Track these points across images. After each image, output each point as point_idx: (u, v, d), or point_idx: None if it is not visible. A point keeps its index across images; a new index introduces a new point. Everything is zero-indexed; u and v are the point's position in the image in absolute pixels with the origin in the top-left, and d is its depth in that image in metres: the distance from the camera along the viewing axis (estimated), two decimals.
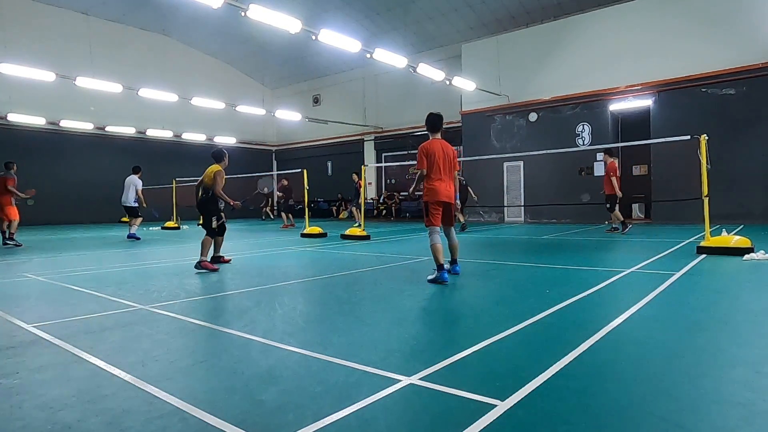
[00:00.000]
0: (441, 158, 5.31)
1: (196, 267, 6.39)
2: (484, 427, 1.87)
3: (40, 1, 19.41)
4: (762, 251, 6.42)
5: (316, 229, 12.20)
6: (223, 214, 6.99)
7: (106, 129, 21.40)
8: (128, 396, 2.27)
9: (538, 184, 16.84)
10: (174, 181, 17.49)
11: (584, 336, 3.04)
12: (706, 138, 7.23)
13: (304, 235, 11.98)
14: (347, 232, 11.63)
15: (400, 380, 2.37)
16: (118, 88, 16.42)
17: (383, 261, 7.13)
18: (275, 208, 22.30)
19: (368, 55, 12.24)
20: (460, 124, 19.32)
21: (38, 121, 18.87)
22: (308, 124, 24.88)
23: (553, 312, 3.73)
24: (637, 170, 16.80)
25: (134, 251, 9.40)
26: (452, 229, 5.61)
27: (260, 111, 22.59)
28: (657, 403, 2.07)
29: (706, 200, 7.17)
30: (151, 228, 17.12)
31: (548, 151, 12.62)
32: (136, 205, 12.16)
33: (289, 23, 10.22)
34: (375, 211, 22.69)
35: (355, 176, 15.72)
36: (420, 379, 2.39)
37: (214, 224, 6.78)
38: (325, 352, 2.86)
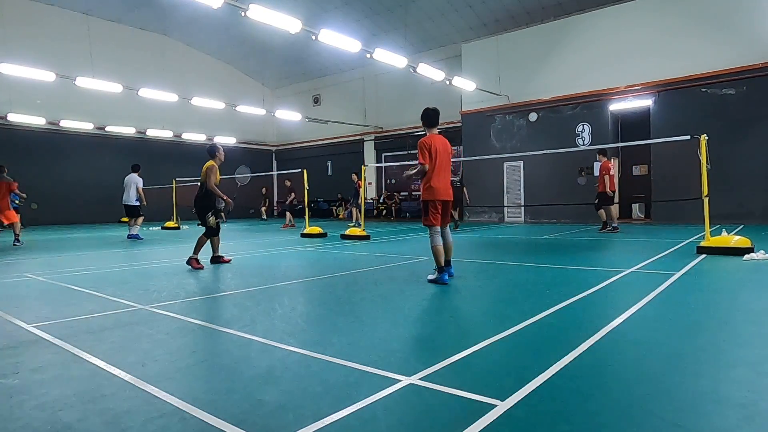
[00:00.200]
0: (441, 155, 5.24)
1: (186, 263, 6.67)
2: (484, 427, 1.87)
3: (40, 1, 19.42)
4: (762, 251, 6.42)
5: (316, 229, 12.20)
6: (222, 213, 6.96)
7: (106, 129, 21.40)
8: (128, 396, 2.27)
9: (538, 184, 16.84)
10: (174, 181, 17.49)
11: (584, 336, 3.04)
12: (706, 138, 7.23)
13: (304, 235, 11.98)
14: (347, 232, 11.63)
15: (400, 380, 2.37)
16: (118, 88, 16.42)
17: (383, 261, 7.13)
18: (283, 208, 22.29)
19: (368, 55, 12.24)
20: (460, 124, 19.33)
21: (38, 121, 18.86)
22: (308, 124, 24.88)
23: (553, 312, 3.73)
24: (637, 170, 16.81)
25: (134, 251, 9.40)
26: (447, 228, 5.52)
27: (260, 111, 22.59)
28: (657, 403, 2.07)
29: (706, 200, 7.17)
30: (151, 228, 17.12)
31: (548, 151, 12.63)
32: (138, 204, 12.08)
33: (289, 23, 10.22)
34: (375, 211, 22.69)
35: (354, 176, 15.73)
36: (420, 379, 2.39)
37: (212, 221, 6.75)
38: (325, 352, 2.86)
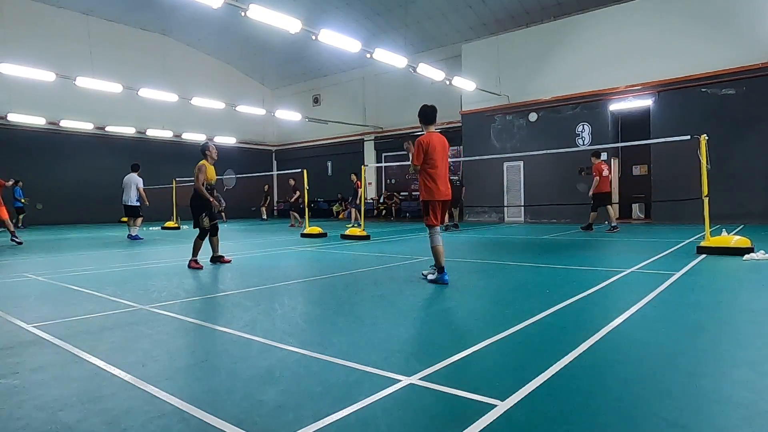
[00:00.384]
0: (440, 153, 5.19)
1: (188, 266, 6.66)
2: (484, 427, 1.87)
3: (40, 1, 19.42)
4: (762, 251, 6.42)
5: (316, 229, 12.20)
6: (223, 213, 6.93)
7: (106, 129, 21.40)
8: (128, 396, 2.27)
9: (538, 184, 16.84)
10: (174, 181, 17.49)
11: (584, 336, 3.04)
12: (706, 138, 7.23)
13: (304, 235, 11.98)
14: (347, 232, 11.63)
15: (400, 380, 2.37)
16: (118, 88, 16.42)
17: (383, 261, 7.13)
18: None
19: (368, 55, 12.24)
20: (460, 124, 19.33)
21: (38, 121, 18.86)
22: (308, 124, 24.89)
23: (553, 312, 3.73)
24: (637, 170, 16.80)
25: (134, 251, 9.40)
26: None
27: (260, 111, 22.59)
28: (657, 403, 2.07)
29: (706, 200, 7.17)
30: (151, 228, 17.12)
31: (548, 151, 12.63)
32: (139, 204, 11.94)
33: (289, 23, 10.21)
34: (375, 211, 22.69)
35: (353, 177, 15.75)
36: (420, 379, 2.38)
37: (205, 223, 6.69)
38: (325, 352, 2.85)
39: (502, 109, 17.81)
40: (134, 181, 11.86)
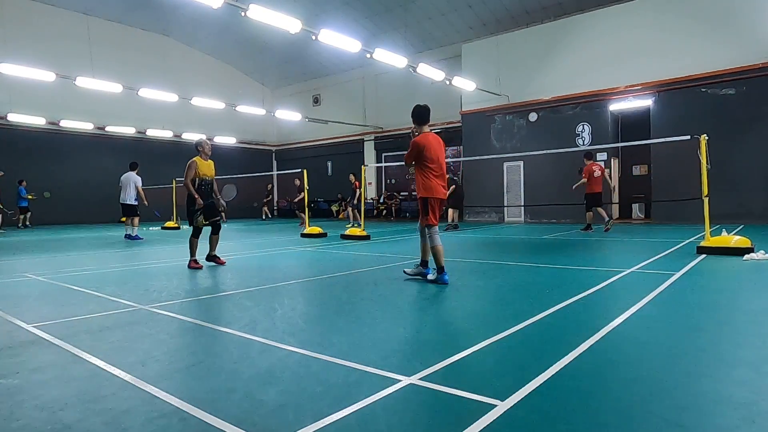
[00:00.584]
0: (437, 152, 5.22)
1: (188, 266, 6.65)
2: (484, 427, 1.87)
3: (40, 1, 19.41)
4: (762, 251, 6.42)
5: (316, 229, 12.20)
6: (223, 213, 6.90)
7: (106, 129, 21.39)
8: (128, 396, 2.27)
9: (538, 184, 16.84)
10: (174, 181, 17.48)
11: (584, 336, 3.04)
12: (706, 138, 7.23)
13: (304, 235, 11.98)
14: (347, 232, 11.63)
15: (400, 380, 2.37)
16: (118, 88, 16.41)
17: (383, 261, 7.13)
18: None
19: (368, 55, 12.24)
20: (460, 124, 19.33)
21: (38, 121, 18.86)
22: (308, 124, 24.88)
23: (553, 312, 3.73)
24: (637, 170, 16.82)
25: (134, 251, 9.40)
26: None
27: (260, 111, 22.58)
28: (657, 403, 2.07)
29: (706, 200, 7.17)
30: (151, 228, 17.12)
31: (548, 151, 12.65)
32: (137, 203, 11.81)
33: (289, 23, 10.22)
34: (375, 211, 22.69)
35: (352, 177, 15.78)
36: (420, 379, 2.38)
37: (199, 222, 6.62)
38: (325, 352, 2.85)
39: (502, 109, 17.81)
40: (132, 179, 11.74)
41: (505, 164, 17.63)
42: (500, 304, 4.27)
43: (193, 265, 6.59)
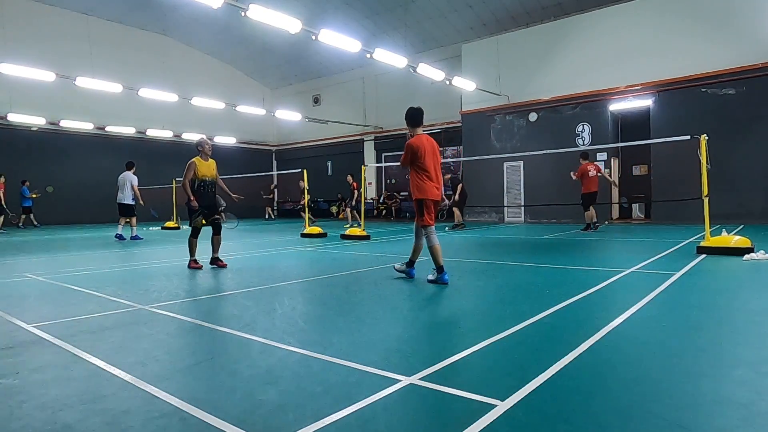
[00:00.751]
0: (430, 154, 5.27)
1: (188, 267, 6.64)
2: (484, 427, 1.87)
3: (40, 1, 19.42)
4: (762, 251, 6.42)
5: (316, 229, 12.21)
6: (223, 214, 6.85)
7: (106, 129, 21.40)
8: (128, 396, 2.27)
9: (538, 184, 16.84)
10: (174, 181, 17.48)
11: (584, 336, 3.04)
12: (706, 138, 7.23)
13: (304, 235, 11.98)
14: (347, 232, 11.63)
15: (400, 380, 2.37)
16: (118, 88, 16.42)
17: (383, 261, 7.13)
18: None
19: (368, 55, 12.24)
20: (460, 124, 19.33)
21: (38, 121, 18.86)
22: (308, 124, 24.89)
23: (553, 312, 3.73)
24: (637, 170, 16.82)
25: (134, 251, 9.40)
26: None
27: (260, 111, 22.58)
28: (657, 402, 2.07)
29: (706, 200, 7.17)
30: (151, 228, 17.12)
31: (548, 151, 12.65)
32: (134, 203, 11.71)
33: (289, 23, 10.22)
34: (375, 211, 22.69)
35: (350, 178, 15.81)
36: (420, 379, 2.38)
37: (195, 221, 6.58)
38: (325, 352, 2.86)
39: (502, 109, 17.81)
40: (129, 179, 11.64)
41: (505, 164, 17.63)
42: (500, 304, 4.27)
43: (193, 265, 6.59)
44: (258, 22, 10.32)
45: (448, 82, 15.50)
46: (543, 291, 4.66)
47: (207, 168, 6.72)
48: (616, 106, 15.52)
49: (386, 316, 3.81)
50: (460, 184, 13.85)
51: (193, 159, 6.66)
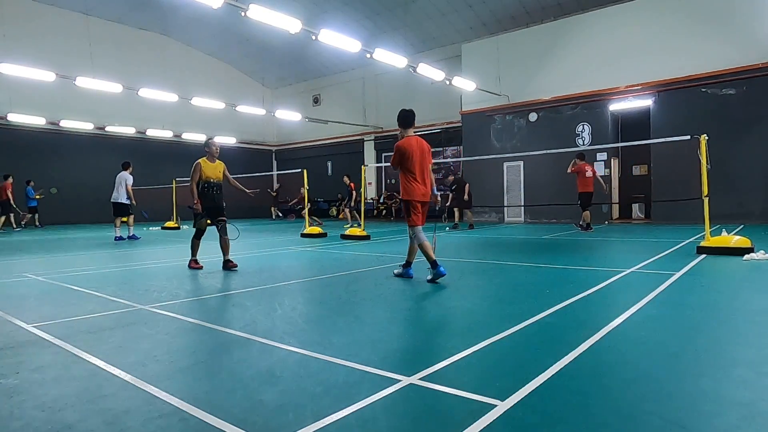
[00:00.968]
0: (418, 156, 5.35)
1: (188, 266, 6.64)
2: (484, 427, 1.87)
3: (40, 1, 19.42)
4: (762, 251, 6.42)
5: (316, 229, 12.21)
6: (222, 219, 6.72)
7: (106, 129, 21.40)
8: (128, 396, 2.27)
9: (538, 184, 16.84)
10: (174, 181, 17.49)
11: (584, 336, 3.04)
12: (706, 138, 7.23)
13: (304, 235, 11.98)
14: (347, 232, 11.62)
15: (400, 380, 2.37)
16: (118, 88, 16.42)
17: (383, 261, 7.13)
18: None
19: (368, 55, 12.24)
20: (460, 124, 19.33)
21: (38, 121, 18.87)
22: (308, 124, 24.89)
23: (553, 312, 3.73)
24: (637, 170, 16.82)
25: (134, 251, 9.40)
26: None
27: (260, 111, 22.58)
28: (657, 403, 2.07)
29: (706, 200, 7.17)
30: (150, 228, 17.12)
31: (548, 151, 12.66)
32: (128, 202, 11.67)
33: (289, 23, 10.22)
34: (375, 212, 22.69)
35: (346, 179, 15.84)
36: (420, 379, 2.38)
37: (199, 222, 6.55)
38: (325, 352, 2.85)
39: (502, 109, 17.81)
40: (124, 178, 11.61)
41: (505, 164, 17.63)
42: (500, 304, 4.27)
43: (193, 265, 6.59)
44: (258, 22, 10.32)
45: (448, 82, 15.50)
46: (543, 291, 4.66)
47: (213, 169, 6.64)
48: (616, 106, 15.52)
49: (386, 316, 3.81)
50: (467, 185, 14.07)
51: (199, 160, 6.61)
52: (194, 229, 6.71)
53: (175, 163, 22.57)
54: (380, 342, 3.10)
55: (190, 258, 6.69)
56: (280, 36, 18.01)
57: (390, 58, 12.88)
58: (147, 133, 22.44)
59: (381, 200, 23.30)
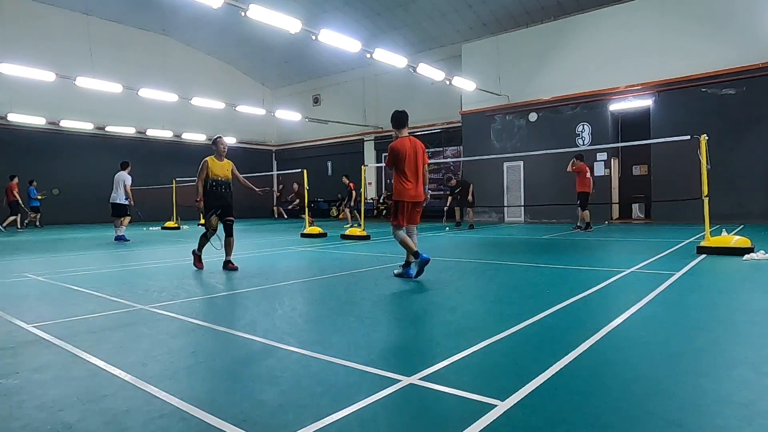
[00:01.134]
0: (411, 157, 5.39)
1: (192, 254, 6.65)
2: (484, 427, 1.87)
3: (40, 1, 19.42)
4: (762, 251, 6.42)
5: (316, 229, 12.20)
6: (230, 219, 6.69)
7: (106, 129, 21.40)
8: (128, 396, 2.26)
9: (538, 184, 16.84)
10: (174, 181, 17.49)
11: (584, 336, 3.04)
12: (706, 138, 7.23)
13: (304, 235, 11.98)
14: (347, 232, 11.63)
15: (400, 380, 2.37)
16: (118, 88, 16.42)
17: (383, 261, 7.13)
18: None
19: (368, 55, 12.24)
20: (460, 124, 19.33)
21: (38, 121, 18.86)
22: (308, 124, 24.89)
23: (553, 312, 3.73)
24: (637, 170, 16.81)
25: (133, 251, 9.40)
26: (415, 228, 5.65)
27: (260, 111, 22.58)
28: (657, 402, 2.07)
29: (706, 200, 7.17)
30: (151, 228, 17.12)
31: (548, 151, 12.67)
32: (126, 202, 11.59)
33: (289, 23, 10.22)
34: (375, 211, 22.69)
35: (345, 179, 15.85)
36: (420, 379, 2.38)
37: (209, 222, 6.50)
38: (325, 352, 2.85)
39: (502, 109, 17.81)
40: (123, 178, 11.52)
41: (505, 164, 17.64)
42: (500, 303, 4.27)
43: (196, 262, 6.53)
44: (258, 22, 10.32)
45: (448, 82, 15.51)
46: (543, 291, 4.66)
47: (220, 168, 6.61)
48: (616, 106, 15.52)
49: (386, 316, 3.81)
50: (471, 186, 14.26)
51: (206, 158, 6.57)
52: (203, 229, 6.67)
53: (175, 163, 22.58)
54: (380, 342, 3.10)
55: (195, 251, 6.57)
56: (280, 36, 18.00)
57: (390, 58, 12.89)
58: (147, 133, 22.44)
59: (381, 200, 23.30)
